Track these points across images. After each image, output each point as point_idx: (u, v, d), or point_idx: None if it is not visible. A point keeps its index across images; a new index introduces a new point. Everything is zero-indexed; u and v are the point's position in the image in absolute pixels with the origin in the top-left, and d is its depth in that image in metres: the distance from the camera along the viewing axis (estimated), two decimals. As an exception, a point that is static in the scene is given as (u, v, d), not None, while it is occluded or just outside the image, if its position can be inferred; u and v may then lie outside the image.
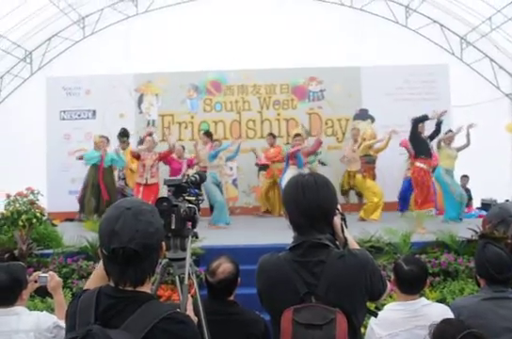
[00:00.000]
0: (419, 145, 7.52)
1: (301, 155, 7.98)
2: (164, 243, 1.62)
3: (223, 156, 8.91)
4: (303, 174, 2.01)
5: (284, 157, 8.77)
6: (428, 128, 8.22)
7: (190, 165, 9.19)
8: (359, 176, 8.79)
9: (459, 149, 8.38)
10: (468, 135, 8.24)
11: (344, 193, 9.91)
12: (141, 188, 8.19)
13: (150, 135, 8.84)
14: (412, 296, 2.69)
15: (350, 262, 1.80)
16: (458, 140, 8.41)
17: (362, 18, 12.21)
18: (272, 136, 10.26)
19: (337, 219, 1.94)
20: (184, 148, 9.53)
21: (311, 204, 1.87)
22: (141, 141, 10.79)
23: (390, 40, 11.58)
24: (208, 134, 9.11)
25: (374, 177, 8.91)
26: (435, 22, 12.33)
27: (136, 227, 1.50)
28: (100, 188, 8.39)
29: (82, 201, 8.61)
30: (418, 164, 7.47)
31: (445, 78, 11.03)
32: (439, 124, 7.78)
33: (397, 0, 12.37)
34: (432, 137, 7.90)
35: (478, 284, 2.74)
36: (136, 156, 8.45)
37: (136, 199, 1.72)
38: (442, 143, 8.15)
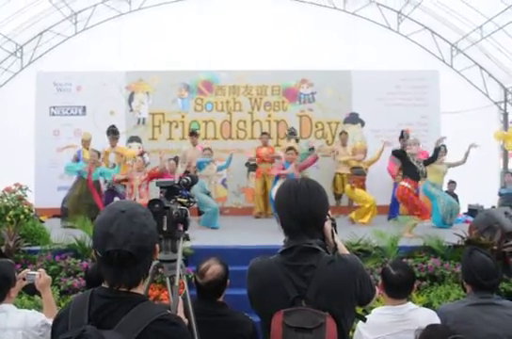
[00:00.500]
0: (408, 168, 7.47)
1: (293, 169, 8.03)
2: (157, 245, 1.63)
3: (214, 166, 8.88)
4: (296, 179, 2.03)
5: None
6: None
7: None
8: (347, 186, 8.83)
9: (452, 165, 8.41)
10: (467, 153, 8.25)
11: (338, 197, 9.95)
12: None
13: (141, 154, 8.79)
14: (400, 300, 2.72)
15: (340, 267, 1.82)
16: (455, 152, 8.44)
17: (355, 22, 12.28)
18: (266, 135, 10.28)
19: (327, 225, 1.95)
20: (176, 162, 9.39)
21: (302, 209, 1.89)
22: (131, 139, 10.78)
23: (381, 45, 11.65)
24: (194, 133, 9.40)
25: (363, 188, 8.90)
26: (426, 28, 12.44)
27: (130, 229, 1.50)
28: (90, 196, 8.36)
29: (64, 209, 8.49)
30: (403, 183, 7.44)
31: (435, 84, 11.06)
32: (436, 151, 7.76)
33: (389, 5, 12.45)
34: (427, 163, 7.69)
35: (464, 290, 2.77)
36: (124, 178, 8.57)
37: (130, 201, 1.73)
38: None
